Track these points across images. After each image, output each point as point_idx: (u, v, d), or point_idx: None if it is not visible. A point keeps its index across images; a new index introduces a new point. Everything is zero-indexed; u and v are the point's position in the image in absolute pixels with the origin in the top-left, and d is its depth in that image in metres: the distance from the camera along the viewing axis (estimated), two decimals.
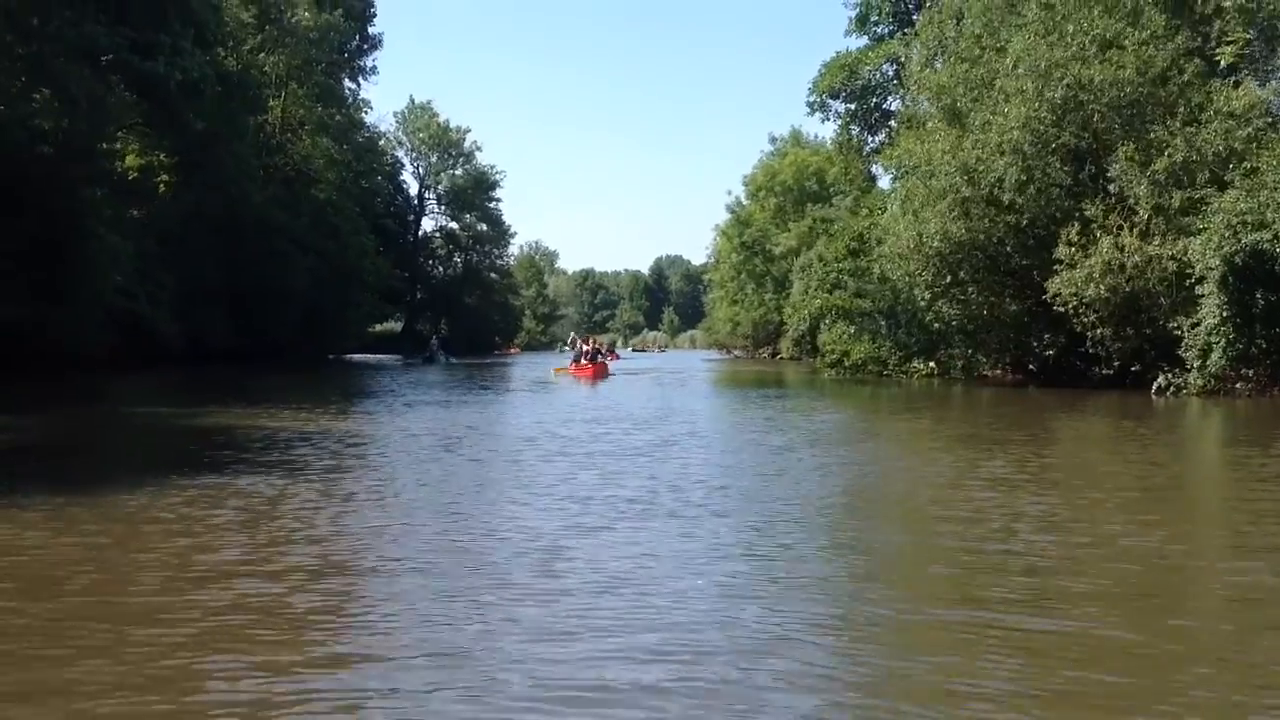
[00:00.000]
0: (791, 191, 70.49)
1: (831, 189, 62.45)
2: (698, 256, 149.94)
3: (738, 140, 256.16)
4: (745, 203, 78.61)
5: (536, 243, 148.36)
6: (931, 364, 33.46)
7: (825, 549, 7.38)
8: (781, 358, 66.38)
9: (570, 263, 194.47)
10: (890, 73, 40.30)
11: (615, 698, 4.26)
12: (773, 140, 78.23)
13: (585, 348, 39.52)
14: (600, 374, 35.26)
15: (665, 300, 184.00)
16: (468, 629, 5.22)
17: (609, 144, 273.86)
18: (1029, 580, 6.31)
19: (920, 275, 29.42)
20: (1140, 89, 25.20)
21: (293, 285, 45.78)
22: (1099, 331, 25.64)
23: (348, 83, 61.42)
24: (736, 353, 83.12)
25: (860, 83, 40.76)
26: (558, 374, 36.16)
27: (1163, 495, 10.60)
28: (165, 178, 41.92)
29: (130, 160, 40.17)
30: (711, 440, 15.43)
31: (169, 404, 21.85)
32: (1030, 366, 30.16)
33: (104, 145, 34.24)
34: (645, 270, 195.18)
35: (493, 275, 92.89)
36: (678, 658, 4.74)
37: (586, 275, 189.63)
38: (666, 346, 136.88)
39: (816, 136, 75.55)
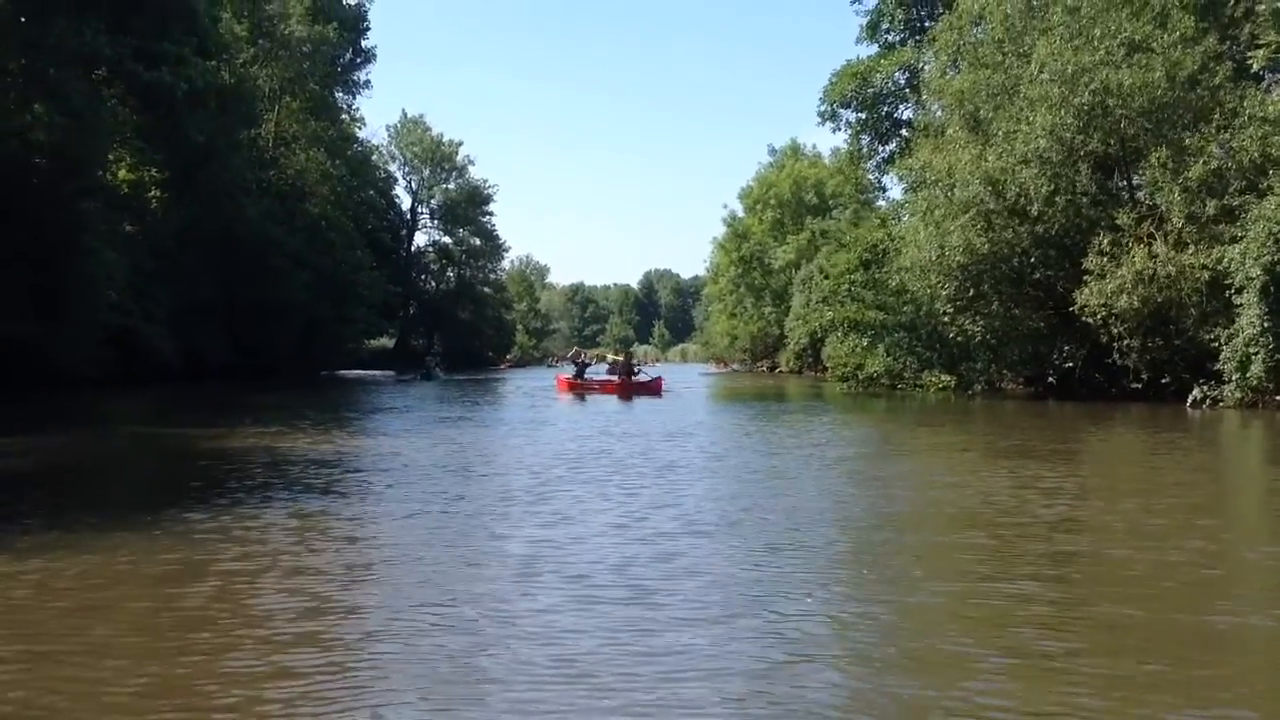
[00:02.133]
0: (789, 204, 69.92)
1: (831, 201, 61.87)
2: (687, 270, 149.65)
3: (726, 154, 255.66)
4: (741, 216, 77.94)
5: (528, 257, 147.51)
6: (947, 377, 32.67)
7: (936, 557, 7.21)
8: (781, 371, 65.71)
9: (560, 277, 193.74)
10: (902, 81, 39.74)
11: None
12: (772, 152, 77.58)
13: (617, 360, 39.58)
14: (656, 390, 33.68)
15: (655, 314, 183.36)
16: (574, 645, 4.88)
17: (597, 158, 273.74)
18: (1166, 583, 6.32)
19: (942, 289, 28.71)
20: (1169, 93, 24.65)
21: (288, 300, 44.94)
22: (1126, 343, 25.02)
23: (341, 96, 60.79)
24: (734, 366, 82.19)
25: (872, 91, 40.14)
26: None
27: (1245, 505, 10.58)
28: (157, 193, 41.04)
29: (123, 174, 39.27)
30: (762, 454, 14.77)
31: (174, 424, 20.93)
32: (1050, 379, 29.45)
33: (100, 158, 33.34)
34: (635, 284, 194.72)
35: (486, 290, 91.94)
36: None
37: (577, 289, 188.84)
38: (657, 360, 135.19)
39: (813, 148, 75.08)
